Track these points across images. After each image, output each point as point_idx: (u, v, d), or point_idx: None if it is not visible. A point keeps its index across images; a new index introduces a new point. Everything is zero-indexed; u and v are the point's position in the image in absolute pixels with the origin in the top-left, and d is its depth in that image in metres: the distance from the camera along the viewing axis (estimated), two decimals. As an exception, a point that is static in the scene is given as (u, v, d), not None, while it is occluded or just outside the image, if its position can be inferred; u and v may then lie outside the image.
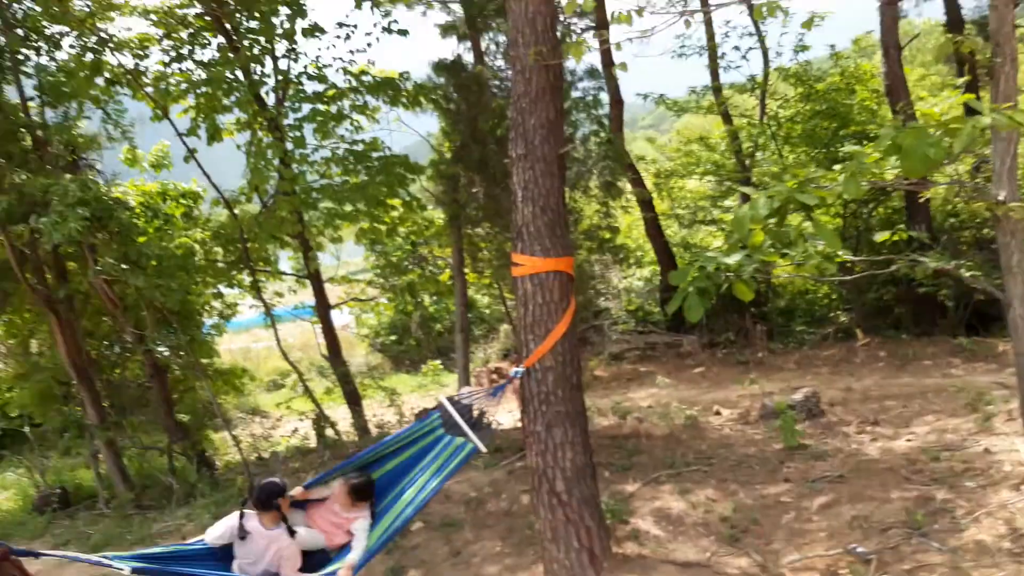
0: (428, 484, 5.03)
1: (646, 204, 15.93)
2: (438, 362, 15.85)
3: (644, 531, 6.37)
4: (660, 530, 6.41)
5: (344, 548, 4.89)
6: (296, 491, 5.06)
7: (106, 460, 9.70)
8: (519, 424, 9.12)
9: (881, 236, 5.72)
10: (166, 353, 9.68)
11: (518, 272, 5.47)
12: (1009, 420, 7.31)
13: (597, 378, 13.35)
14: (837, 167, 4.70)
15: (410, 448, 5.27)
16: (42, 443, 11.38)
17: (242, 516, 4.69)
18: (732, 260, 4.90)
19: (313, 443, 10.43)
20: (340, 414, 11.24)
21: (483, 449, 5.13)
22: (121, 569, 4.08)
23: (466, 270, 12.17)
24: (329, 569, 4.77)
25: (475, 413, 5.26)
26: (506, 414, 9.83)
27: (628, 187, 16.66)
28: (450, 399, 5.31)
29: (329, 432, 10.02)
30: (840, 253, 5.22)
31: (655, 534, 6.34)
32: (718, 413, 9.69)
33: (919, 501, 5.91)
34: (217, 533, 4.71)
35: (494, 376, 13.87)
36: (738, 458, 7.73)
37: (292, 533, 4.73)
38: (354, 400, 10.50)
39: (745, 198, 15.70)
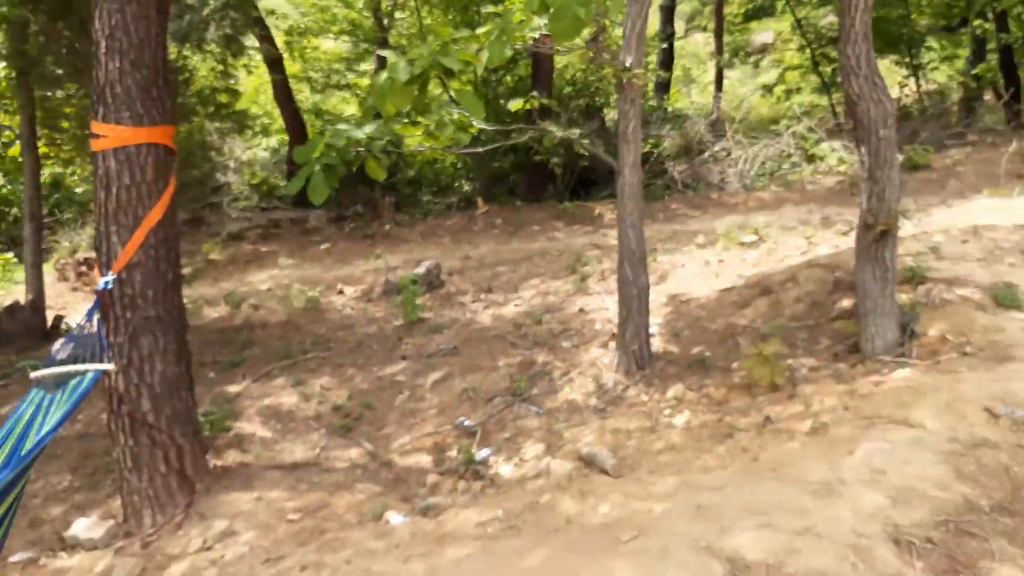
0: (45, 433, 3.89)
1: (275, 65, 14.41)
2: (10, 255, 13.10)
3: (250, 435, 5.74)
4: (268, 431, 5.84)
5: None
6: None
7: None
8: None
9: (515, 105, 5.61)
10: None
11: (100, 145, 4.23)
12: (601, 280, 7.90)
13: (212, 263, 12.08)
14: (481, 30, 4.28)
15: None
16: None
17: None
18: (363, 133, 4.35)
19: None
20: None
21: (111, 368, 4.19)
22: None
23: (41, 142, 9.90)
24: None
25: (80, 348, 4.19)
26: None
27: (255, 44, 14.87)
28: (44, 368, 4.10)
29: None
30: (476, 123, 4.97)
31: (262, 436, 5.75)
32: (341, 292, 9.25)
33: (522, 366, 6.07)
34: None
35: (82, 268, 11.81)
36: (358, 339, 7.39)
37: None
38: None
39: (382, 63, 15.02)
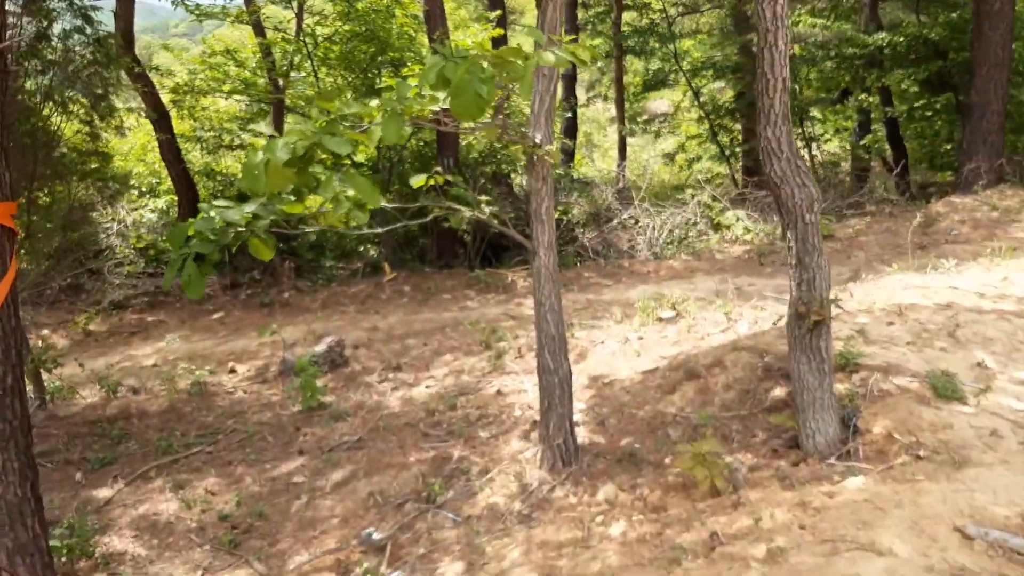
0: None
1: (162, 123, 13.59)
2: None
3: (120, 553, 4.94)
4: (142, 547, 5.04)
5: None
6: None
7: None
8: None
9: (417, 182, 5.19)
10: None
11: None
12: (518, 357, 7.47)
13: (91, 335, 10.98)
14: (375, 102, 3.81)
15: None
16: None
17: None
18: (239, 216, 3.79)
19: None
20: None
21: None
22: None
23: None
24: None
25: None
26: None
27: (131, 103, 14.11)
28: None
29: None
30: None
31: (135, 554, 4.96)
32: (233, 371, 8.45)
33: (436, 463, 5.51)
34: None
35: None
36: (249, 429, 6.64)
37: None
38: None
39: (278, 124, 14.42)
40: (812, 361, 4.38)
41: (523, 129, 5.09)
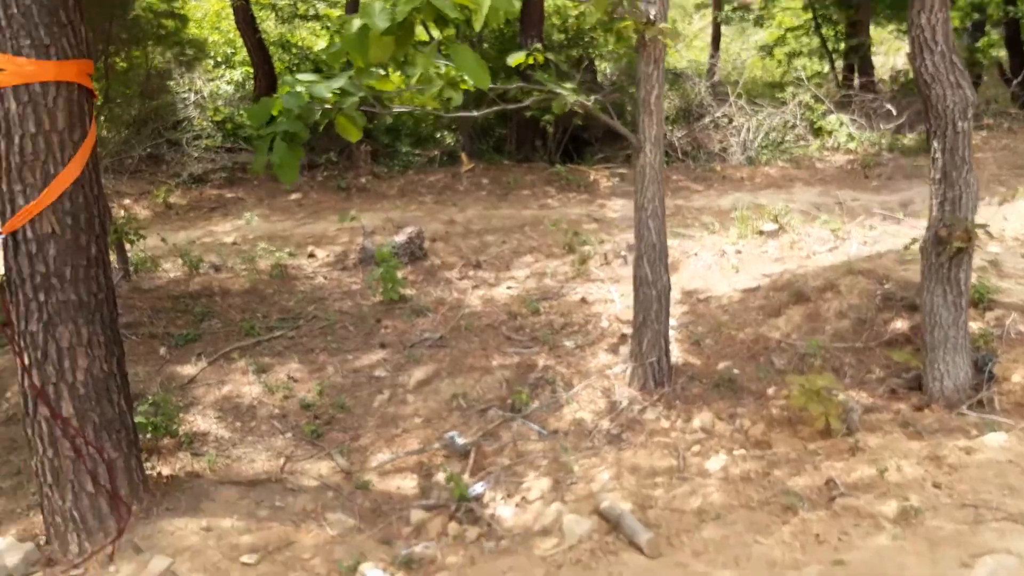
0: None
1: (236, -14, 13.18)
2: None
3: (203, 433, 4.98)
4: (225, 429, 5.07)
5: None
6: None
7: None
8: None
9: (516, 59, 4.71)
10: None
11: (-4, 82, 3.37)
12: (604, 264, 7.15)
13: (171, 207, 11.04)
14: None
15: None
16: None
17: None
18: (329, 90, 3.45)
19: None
20: None
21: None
22: None
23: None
24: None
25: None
26: None
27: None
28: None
29: None
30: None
31: (218, 435, 4.99)
32: (312, 255, 8.37)
33: (520, 369, 5.34)
34: None
35: None
36: (331, 317, 6.57)
37: None
38: None
39: (354, 6, 13.84)
40: (949, 294, 3.96)
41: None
